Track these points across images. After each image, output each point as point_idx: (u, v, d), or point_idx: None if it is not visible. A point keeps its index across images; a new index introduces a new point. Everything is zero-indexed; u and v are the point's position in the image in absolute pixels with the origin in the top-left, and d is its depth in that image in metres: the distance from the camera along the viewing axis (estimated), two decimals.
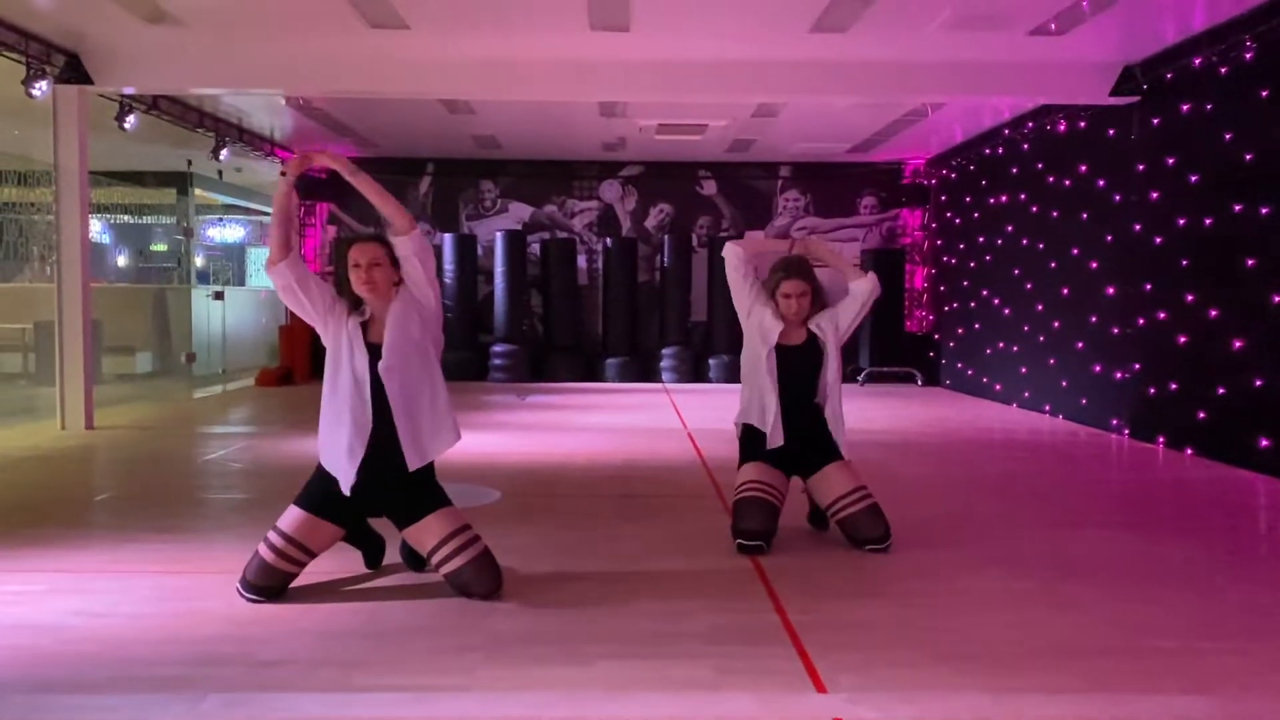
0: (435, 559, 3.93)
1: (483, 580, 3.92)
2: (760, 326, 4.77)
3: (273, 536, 3.91)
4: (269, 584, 3.88)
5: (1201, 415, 7.75)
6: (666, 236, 14.85)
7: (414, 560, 4.26)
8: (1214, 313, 7.62)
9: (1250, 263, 7.15)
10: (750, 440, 4.87)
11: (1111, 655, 3.39)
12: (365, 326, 3.99)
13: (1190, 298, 7.93)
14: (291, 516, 3.93)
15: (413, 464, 3.92)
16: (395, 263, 3.99)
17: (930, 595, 4.08)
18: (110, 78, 8.87)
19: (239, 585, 3.90)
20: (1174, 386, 8.16)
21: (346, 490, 3.89)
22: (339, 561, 4.30)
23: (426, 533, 3.94)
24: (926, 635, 3.58)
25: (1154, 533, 5.30)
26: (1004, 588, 4.19)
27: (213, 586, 4.08)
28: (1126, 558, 4.72)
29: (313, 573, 4.11)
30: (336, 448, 3.90)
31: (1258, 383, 7.05)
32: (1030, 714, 2.89)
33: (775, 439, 4.71)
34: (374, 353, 3.92)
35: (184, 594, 3.99)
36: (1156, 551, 4.85)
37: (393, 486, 3.95)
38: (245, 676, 3.12)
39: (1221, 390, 7.48)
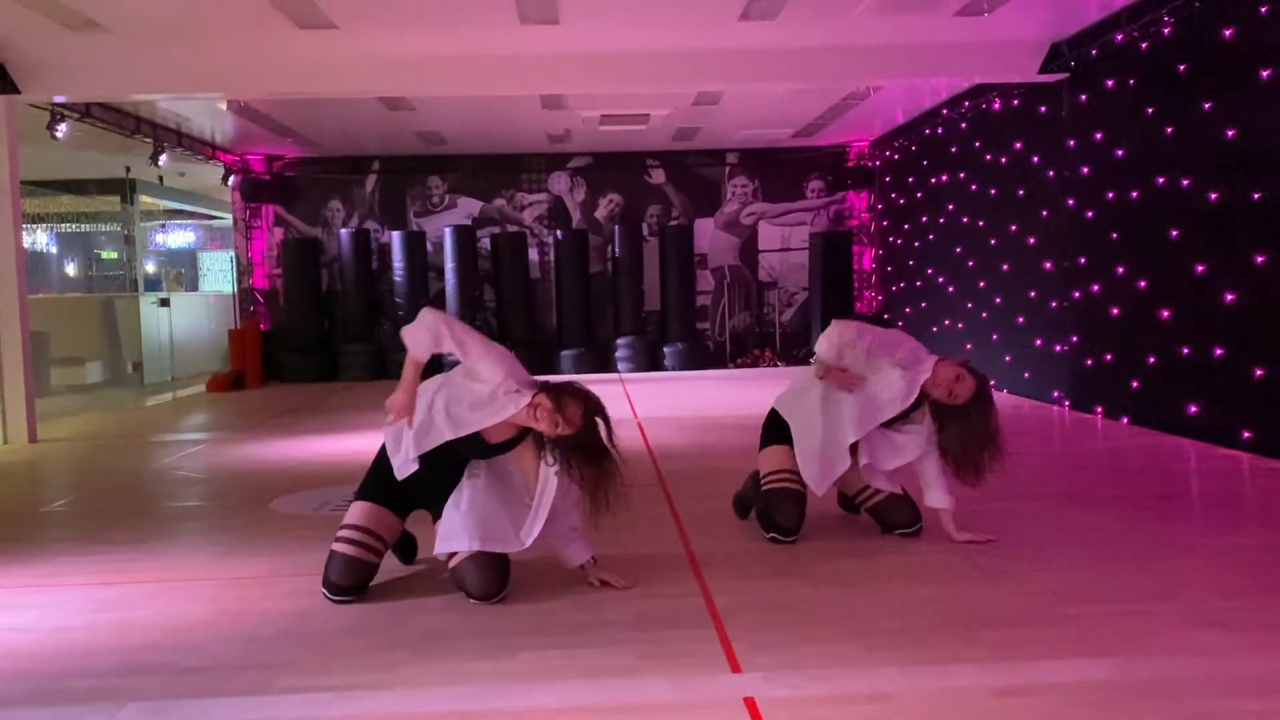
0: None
1: (473, 577, 3.83)
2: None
3: (348, 533, 3.93)
4: (356, 581, 3.91)
5: (1135, 384, 7.92)
6: (617, 227, 14.90)
7: (404, 551, 4.32)
8: (1143, 284, 7.78)
9: (1174, 234, 7.31)
10: (775, 424, 4.79)
11: (1021, 624, 3.49)
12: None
13: (1121, 270, 8.09)
14: (361, 510, 3.97)
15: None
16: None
17: (855, 573, 4.16)
18: (38, 86, 8.77)
19: (325, 591, 3.91)
20: (1109, 357, 8.33)
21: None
22: (275, 564, 4.32)
23: None
24: (846, 613, 3.66)
25: (1081, 502, 5.43)
26: (928, 563, 4.28)
27: (144, 596, 4.10)
28: (1050, 528, 4.84)
29: (249, 577, 4.13)
30: None
31: (1185, 351, 7.21)
32: (934, 685, 2.97)
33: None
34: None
35: (114, 605, 3.99)
36: (1080, 520, 4.97)
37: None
38: (167, 684, 3.14)
39: (1152, 359, 7.65)
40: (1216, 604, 3.66)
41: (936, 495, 4.58)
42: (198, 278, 20.70)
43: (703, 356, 14.85)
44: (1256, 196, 6.46)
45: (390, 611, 3.81)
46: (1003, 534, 4.71)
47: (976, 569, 4.16)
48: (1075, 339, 8.93)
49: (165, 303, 15.05)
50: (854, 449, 4.63)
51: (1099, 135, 8.42)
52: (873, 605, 3.75)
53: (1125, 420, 8.06)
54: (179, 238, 19.77)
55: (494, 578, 3.85)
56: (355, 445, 7.83)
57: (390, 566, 4.23)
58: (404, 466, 3.91)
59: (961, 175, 11.44)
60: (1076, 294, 8.86)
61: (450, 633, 3.55)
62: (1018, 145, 10.03)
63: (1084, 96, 8.70)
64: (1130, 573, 4.06)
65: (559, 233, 14.80)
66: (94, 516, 5.80)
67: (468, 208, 15.23)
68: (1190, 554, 4.36)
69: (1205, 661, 3.11)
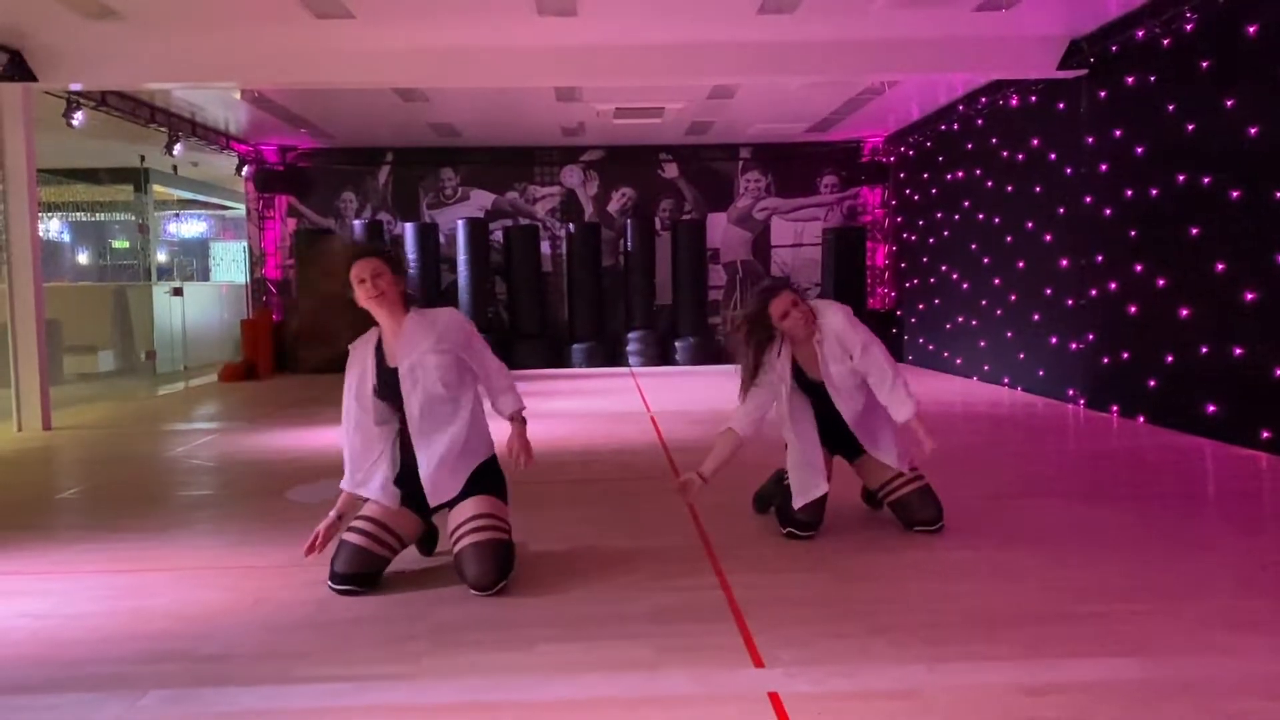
0: (452, 538, 3.92)
1: (472, 567, 3.80)
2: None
3: (359, 524, 3.93)
4: (358, 571, 3.88)
5: (1152, 383, 7.86)
6: (629, 220, 14.86)
7: (425, 541, 4.31)
8: (1161, 282, 7.72)
9: (1194, 232, 7.25)
10: None
11: (1045, 621, 3.45)
12: (380, 352, 3.97)
13: (1139, 268, 8.04)
14: (378, 504, 3.98)
15: (433, 499, 3.95)
16: (399, 271, 3.93)
17: (874, 568, 4.14)
18: (55, 74, 8.76)
19: (329, 582, 3.89)
20: (1126, 356, 8.27)
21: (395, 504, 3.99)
22: (291, 553, 4.31)
23: (458, 512, 3.93)
24: (868, 607, 3.64)
25: (1099, 500, 5.39)
26: (948, 559, 4.25)
27: (160, 584, 4.09)
28: (1069, 525, 4.80)
29: (265, 566, 4.12)
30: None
31: (1204, 350, 7.16)
32: (960, 682, 2.94)
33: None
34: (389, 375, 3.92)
35: (131, 592, 3.98)
36: (1099, 518, 4.93)
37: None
38: (186, 672, 3.13)
39: (1170, 358, 7.60)
40: (1240, 604, 3.62)
41: (896, 410, 4.49)
42: (209, 268, 20.75)
43: (714, 351, 14.80)
44: (1278, 195, 6.40)
45: (408, 602, 3.79)
46: (1015, 530, 4.70)
47: (993, 565, 4.13)
48: (1092, 337, 8.88)
49: (178, 292, 15.08)
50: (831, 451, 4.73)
51: (1118, 132, 8.36)
52: (894, 600, 3.72)
53: (1141, 419, 8.01)
54: (192, 227, 19.80)
55: (492, 568, 3.81)
56: None
57: (409, 558, 4.22)
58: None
59: (977, 171, 11.38)
60: (1093, 292, 8.80)
61: (468, 624, 3.54)
62: (1035, 142, 9.97)
63: (1103, 93, 8.63)
64: (1151, 572, 4.02)
65: (571, 226, 14.77)
66: (109, 504, 5.80)
67: (480, 200, 15.22)
68: (1211, 553, 4.32)
69: (1231, 661, 3.07)
